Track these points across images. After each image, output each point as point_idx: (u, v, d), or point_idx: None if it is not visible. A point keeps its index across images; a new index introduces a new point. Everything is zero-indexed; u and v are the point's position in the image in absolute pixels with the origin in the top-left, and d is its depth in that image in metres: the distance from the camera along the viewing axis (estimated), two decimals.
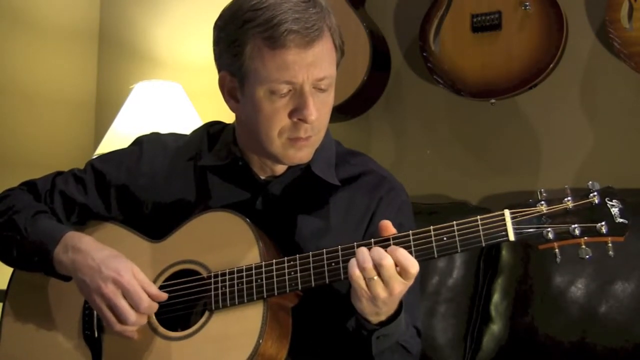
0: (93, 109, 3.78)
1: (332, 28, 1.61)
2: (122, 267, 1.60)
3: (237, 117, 1.74)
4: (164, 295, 1.62)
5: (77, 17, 3.74)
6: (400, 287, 1.46)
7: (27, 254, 1.70)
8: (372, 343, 1.55)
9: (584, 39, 2.78)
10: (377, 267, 1.44)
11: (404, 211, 1.75)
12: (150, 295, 1.60)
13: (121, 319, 1.59)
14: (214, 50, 1.67)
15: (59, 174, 1.86)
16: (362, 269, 1.45)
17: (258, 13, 1.56)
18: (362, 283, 1.46)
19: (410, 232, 1.48)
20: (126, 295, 1.59)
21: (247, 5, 1.58)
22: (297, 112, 1.58)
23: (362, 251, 1.46)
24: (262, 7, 1.56)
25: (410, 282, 1.47)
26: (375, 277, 1.45)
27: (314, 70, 1.57)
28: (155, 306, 1.61)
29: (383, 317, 1.53)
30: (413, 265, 1.45)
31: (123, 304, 1.58)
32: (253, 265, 1.58)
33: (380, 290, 1.45)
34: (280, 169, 1.73)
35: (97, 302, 1.60)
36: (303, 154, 1.65)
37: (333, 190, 1.72)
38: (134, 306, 1.59)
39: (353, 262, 1.46)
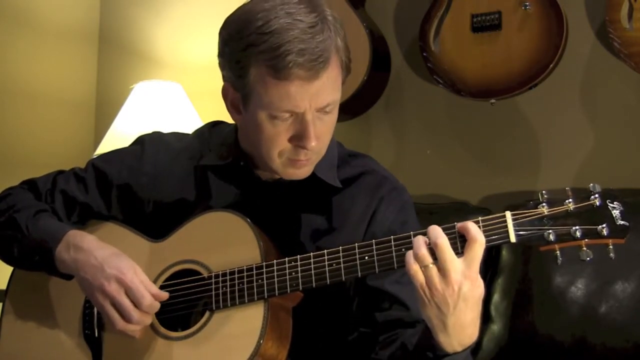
0: (93, 109, 3.78)
1: (340, 49, 1.57)
2: (124, 266, 1.60)
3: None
4: (164, 295, 1.62)
5: (77, 17, 3.74)
6: (455, 273, 1.38)
7: (28, 252, 1.70)
8: None
9: (584, 39, 2.78)
10: (433, 246, 1.40)
11: (407, 210, 1.74)
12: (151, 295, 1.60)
13: (125, 317, 1.59)
14: (219, 60, 1.65)
15: (60, 173, 1.86)
16: (416, 256, 1.40)
17: (264, 38, 1.51)
18: (420, 276, 1.40)
19: (412, 232, 1.48)
20: (129, 293, 1.58)
21: (253, 26, 1.53)
22: (297, 139, 1.57)
23: (417, 239, 1.42)
24: (268, 32, 1.51)
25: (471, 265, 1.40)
26: (430, 264, 1.39)
27: (317, 100, 1.55)
28: (157, 305, 1.61)
29: (454, 341, 1.44)
30: (439, 236, 1.40)
31: (126, 302, 1.58)
32: (254, 266, 1.58)
33: (436, 277, 1.39)
34: None
35: (100, 301, 1.60)
36: (302, 172, 1.65)
37: (334, 191, 1.72)
38: (136, 304, 1.58)
39: (409, 254, 1.42)
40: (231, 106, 1.67)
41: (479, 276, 1.41)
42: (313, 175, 1.70)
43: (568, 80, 2.80)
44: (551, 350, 2.39)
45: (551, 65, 2.64)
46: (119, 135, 3.11)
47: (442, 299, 1.39)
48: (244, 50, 1.55)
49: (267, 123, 1.57)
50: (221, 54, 1.63)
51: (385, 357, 1.64)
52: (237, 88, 1.61)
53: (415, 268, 1.40)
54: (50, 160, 3.36)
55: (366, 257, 1.50)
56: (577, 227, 1.40)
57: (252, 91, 1.57)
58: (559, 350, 2.38)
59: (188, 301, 1.64)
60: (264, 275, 1.57)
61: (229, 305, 1.59)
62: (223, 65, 1.64)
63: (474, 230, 1.41)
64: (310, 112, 1.55)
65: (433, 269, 1.39)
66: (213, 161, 1.76)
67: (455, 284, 1.39)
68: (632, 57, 2.51)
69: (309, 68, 1.51)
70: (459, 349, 1.45)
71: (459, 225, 1.43)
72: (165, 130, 1.92)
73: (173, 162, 1.80)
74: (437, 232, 1.41)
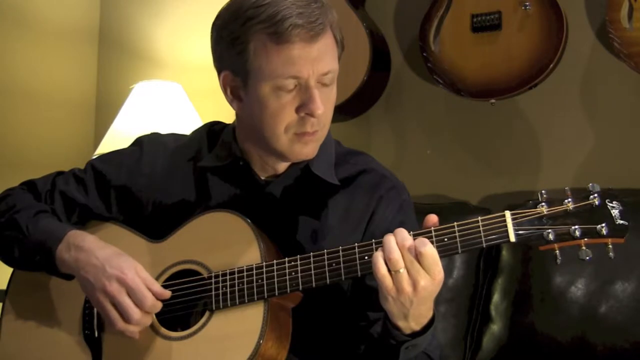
0: (93, 109, 3.78)
1: (333, 23, 1.62)
2: (125, 266, 1.60)
3: (239, 116, 1.74)
4: (167, 293, 1.62)
5: (77, 17, 3.74)
6: (423, 279, 1.43)
7: (29, 253, 1.70)
8: (400, 353, 1.54)
9: (584, 39, 2.78)
10: (401, 248, 1.43)
11: (405, 210, 1.75)
12: (153, 293, 1.60)
13: (125, 317, 1.59)
14: (214, 50, 1.67)
15: (59, 174, 1.86)
16: (389, 260, 1.43)
17: (260, 9, 1.56)
18: (389, 280, 1.44)
19: (412, 232, 1.48)
20: (130, 293, 1.59)
21: (248, 3, 1.59)
22: (304, 107, 1.59)
23: (389, 240, 1.45)
24: (264, 4, 1.56)
25: (432, 274, 1.44)
26: (402, 270, 1.43)
27: (319, 65, 1.57)
28: (159, 305, 1.61)
29: (412, 324, 1.50)
30: (423, 243, 1.43)
31: (127, 302, 1.58)
32: (254, 266, 1.58)
33: (405, 283, 1.43)
34: (281, 167, 1.73)
35: (101, 301, 1.60)
36: (309, 150, 1.66)
37: (333, 190, 1.72)
38: (138, 304, 1.58)
39: (378, 255, 1.45)
40: (231, 94, 1.68)
41: (440, 270, 1.45)
42: (311, 173, 1.70)
43: (568, 80, 2.80)
44: (551, 350, 2.39)
45: (551, 65, 2.64)
46: (119, 135, 3.11)
47: (408, 300, 1.45)
48: (243, 25, 1.58)
49: (272, 96, 1.59)
50: (217, 42, 1.66)
51: (361, 349, 1.67)
52: (237, 70, 1.63)
53: (383, 272, 1.44)
54: (50, 160, 3.37)
55: (366, 257, 1.50)
56: (576, 227, 1.41)
57: (253, 67, 1.59)
58: (559, 350, 2.38)
59: (188, 301, 1.64)
60: (264, 276, 1.57)
61: (229, 305, 1.59)
62: (220, 52, 1.66)
63: (421, 243, 1.44)
64: (313, 78, 1.58)
65: (403, 275, 1.43)
66: (212, 162, 1.76)
67: (422, 290, 1.43)
68: (632, 57, 2.52)
69: (310, 29, 1.55)
70: (417, 328, 1.51)
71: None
72: (165, 130, 1.93)
73: (172, 163, 1.80)
74: (423, 241, 1.44)
